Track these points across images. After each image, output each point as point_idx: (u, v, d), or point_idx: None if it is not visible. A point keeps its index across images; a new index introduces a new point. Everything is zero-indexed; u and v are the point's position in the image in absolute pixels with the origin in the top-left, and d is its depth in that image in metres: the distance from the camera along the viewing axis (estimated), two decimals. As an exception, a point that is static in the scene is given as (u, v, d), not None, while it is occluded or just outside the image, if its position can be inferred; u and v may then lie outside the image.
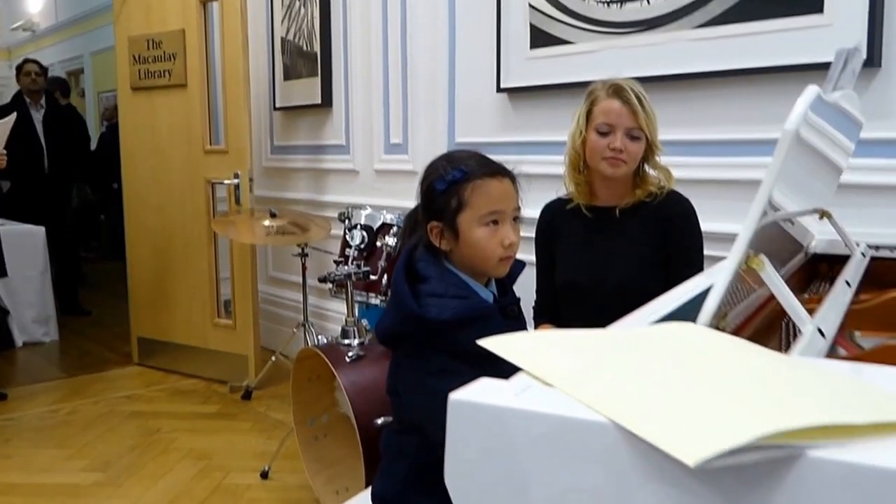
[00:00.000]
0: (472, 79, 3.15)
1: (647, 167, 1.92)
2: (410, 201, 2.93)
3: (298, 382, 2.58)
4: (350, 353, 2.36)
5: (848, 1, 2.05)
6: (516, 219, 1.39)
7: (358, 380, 2.32)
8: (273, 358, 3.61)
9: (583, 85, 2.66)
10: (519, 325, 1.41)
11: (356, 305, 2.56)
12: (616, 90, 1.84)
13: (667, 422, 0.53)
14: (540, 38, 2.86)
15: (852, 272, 1.41)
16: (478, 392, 0.60)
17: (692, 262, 1.87)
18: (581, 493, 0.54)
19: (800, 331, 0.92)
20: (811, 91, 0.90)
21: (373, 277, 2.52)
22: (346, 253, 2.56)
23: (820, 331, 0.93)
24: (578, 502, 0.54)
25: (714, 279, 0.90)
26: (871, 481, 0.45)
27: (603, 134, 1.83)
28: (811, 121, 1.04)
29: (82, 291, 5.75)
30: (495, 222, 1.34)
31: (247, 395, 3.66)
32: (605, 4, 2.64)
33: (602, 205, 1.94)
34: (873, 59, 2.02)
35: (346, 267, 2.47)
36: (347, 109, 3.76)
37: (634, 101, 1.82)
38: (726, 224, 2.27)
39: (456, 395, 0.59)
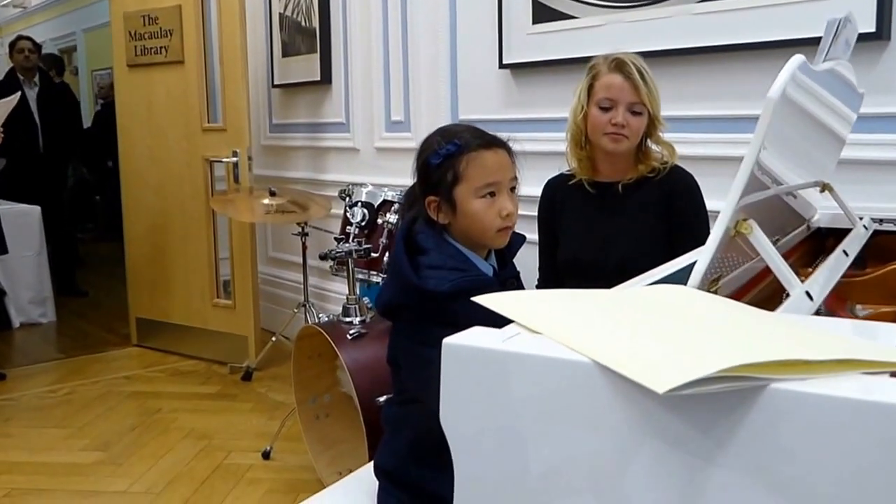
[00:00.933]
0: (473, 55, 3.10)
1: (649, 142, 1.90)
2: (412, 179, 2.93)
3: (300, 361, 2.57)
4: (352, 331, 2.34)
5: (858, -28, 2.01)
6: (514, 189, 1.39)
7: (360, 357, 2.31)
8: (273, 339, 3.59)
9: (586, 60, 2.64)
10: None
11: (357, 283, 2.54)
12: (618, 64, 1.83)
13: (640, 358, 0.57)
14: (543, 13, 2.82)
15: (850, 242, 1.41)
16: (470, 337, 0.63)
17: (697, 237, 1.85)
18: (565, 425, 0.58)
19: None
20: (796, 59, 0.91)
21: (374, 255, 2.50)
22: (347, 230, 2.54)
23: (808, 294, 0.96)
24: (563, 434, 0.58)
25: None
26: (825, 409, 0.51)
27: (605, 109, 1.82)
28: (806, 87, 1.03)
29: (79, 272, 5.71)
30: (492, 194, 1.34)
31: (247, 376, 3.64)
32: (610, -22, 2.60)
33: (605, 180, 1.93)
34: (882, 33, 1.99)
35: (347, 244, 2.45)
36: (347, 87, 3.72)
37: (636, 75, 1.80)
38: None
39: (449, 340, 0.63)
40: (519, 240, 1.48)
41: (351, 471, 2.55)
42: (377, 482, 1.48)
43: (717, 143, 2.36)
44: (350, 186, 2.64)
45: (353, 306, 2.46)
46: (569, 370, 0.58)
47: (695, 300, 0.81)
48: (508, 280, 1.44)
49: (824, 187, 1.58)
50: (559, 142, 2.08)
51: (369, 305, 2.52)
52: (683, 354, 0.59)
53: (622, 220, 1.89)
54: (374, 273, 2.59)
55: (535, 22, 2.85)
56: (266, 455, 2.78)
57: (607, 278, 1.79)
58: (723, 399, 0.52)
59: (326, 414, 2.67)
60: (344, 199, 2.64)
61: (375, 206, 2.57)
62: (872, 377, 0.55)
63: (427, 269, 1.32)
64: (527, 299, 0.77)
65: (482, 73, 3.07)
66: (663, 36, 2.45)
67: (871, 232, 1.60)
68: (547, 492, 0.59)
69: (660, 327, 0.69)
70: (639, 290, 0.86)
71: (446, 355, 0.62)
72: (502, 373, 0.60)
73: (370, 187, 2.64)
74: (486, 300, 0.72)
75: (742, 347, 0.60)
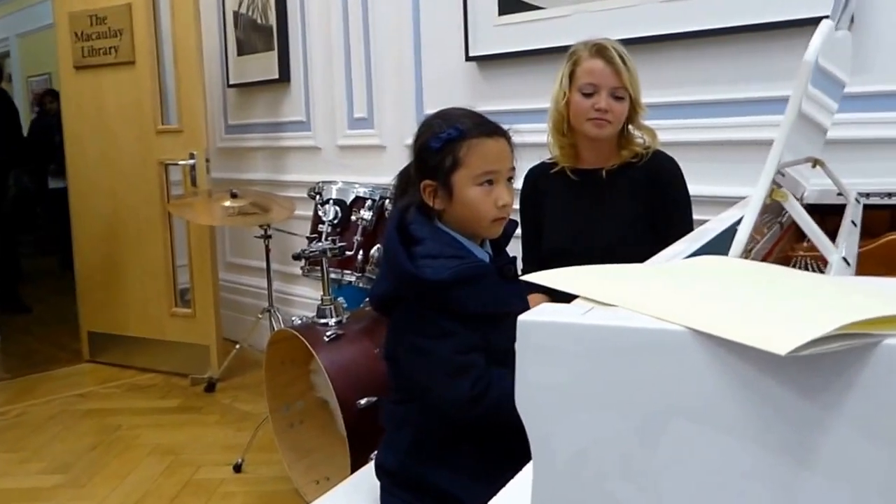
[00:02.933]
0: (439, 48, 3.05)
1: (631, 128, 1.90)
2: (379, 177, 2.86)
3: (271, 367, 2.46)
4: (328, 333, 2.26)
5: (832, -46, 2.01)
6: (510, 179, 1.37)
7: (338, 359, 2.23)
8: (237, 347, 3.46)
9: (556, 50, 2.63)
10: (516, 285, 1.36)
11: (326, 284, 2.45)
12: (599, 50, 1.82)
13: (745, 323, 0.53)
14: (509, 5, 2.79)
15: (854, 214, 1.42)
16: (547, 313, 0.58)
17: (681, 221, 1.86)
18: (658, 403, 0.54)
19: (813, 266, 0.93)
20: (826, 25, 0.89)
21: (349, 253, 2.41)
22: (320, 229, 2.45)
23: (845, 260, 0.96)
24: (655, 413, 0.54)
25: (740, 214, 0.91)
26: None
27: (587, 95, 1.81)
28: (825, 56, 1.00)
29: (20, 287, 5.46)
30: (490, 182, 1.32)
31: (210, 388, 3.51)
32: (579, -34, 2.57)
33: (587, 167, 1.91)
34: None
35: (321, 243, 2.36)
36: (307, 84, 3.63)
37: (618, 60, 1.79)
38: (712, 187, 2.24)
39: (525, 318, 0.58)
40: (512, 226, 1.45)
41: (328, 478, 2.49)
42: (378, 483, 1.41)
43: (693, 129, 2.36)
44: (320, 184, 2.56)
45: (328, 307, 2.37)
46: (662, 340, 0.54)
47: (752, 266, 0.77)
48: (505, 266, 1.40)
49: (816, 163, 1.58)
50: (529, 133, 2.05)
51: (345, 306, 2.43)
52: (789, 315, 0.55)
53: (607, 206, 1.88)
54: (348, 272, 2.51)
55: (501, 13, 2.81)
56: (238, 468, 2.66)
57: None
58: (829, 361, 0.49)
59: (300, 421, 2.57)
60: (314, 198, 2.55)
61: (348, 203, 2.48)
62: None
63: (423, 259, 1.28)
64: (584, 274, 0.73)
65: (448, 66, 3.02)
66: (631, 24, 2.43)
67: (861, 206, 1.61)
68: (638, 467, 0.55)
69: (741, 292, 0.65)
70: (687, 262, 0.83)
71: (523, 334, 0.57)
72: (590, 348, 0.56)
73: (340, 184, 2.56)
74: (538, 278, 0.67)
75: (846, 304, 0.57)
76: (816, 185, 1.69)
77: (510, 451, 1.29)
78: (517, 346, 0.57)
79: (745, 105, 2.26)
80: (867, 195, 1.72)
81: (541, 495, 0.58)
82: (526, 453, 1.46)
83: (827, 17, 1.11)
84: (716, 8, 2.26)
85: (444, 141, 1.30)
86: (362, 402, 2.14)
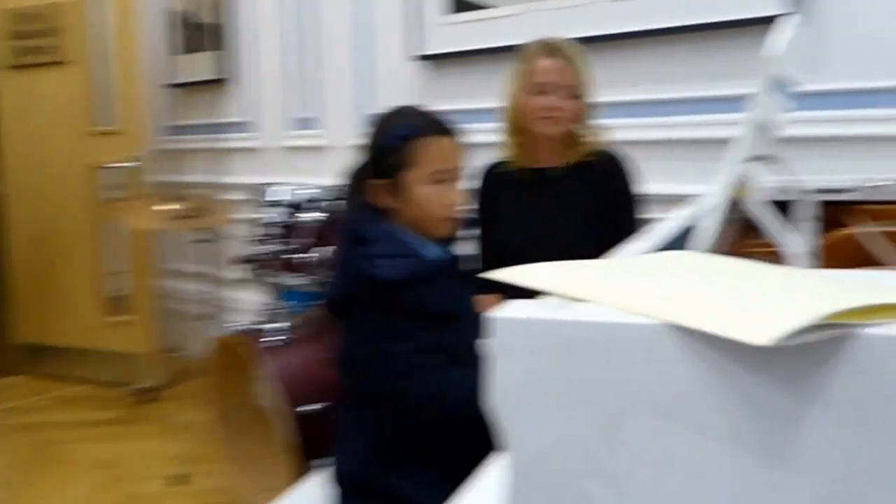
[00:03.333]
0: (386, 48, 3.02)
1: (583, 127, 1.90)
2: (325, 178, 2.80)
3: (213, 375, 2.38)
4: (276, 338, 2.20)
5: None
6: (460, 178, 1.36)
7: (286, 365, 2.19)
8: (177, 354, 3.34)
9: (506, 50, 2.62)
10: (469, 282, 1.33)
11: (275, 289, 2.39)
12: (552, 49, 1.83)
13: (723, 315, 0.53)
14: (458, 3, 2.77)
15: (809, 210, 1.44)
16: (520, 310, 0.58)
17: (629, 218, 1.88)
18: (632, 398, 0.53)
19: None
20: (787, 22, 0.94)
21: (299, 256, 2.35)
22: (268, 232, 2.37)
23: (804, 255, 1.00)
24: (629, 408, 0.53)
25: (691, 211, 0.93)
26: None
27: (541, 93, 1.81)
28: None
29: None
30: (442, 181, 1.31)
31: (149, 398, 3.38)
32: (529, -34, 2.57)
33: (541, 166, 1.91)
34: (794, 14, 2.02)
35: (269, 246, 2.29)
36: (250, 84, 3.54)
37: (570, 59, 1.81)
38: (666, 185, 2.24)
39: (499, 315, 0.56)
40: (460, 225, 1.44)
41: (272, 489, 2.41)
42: (333, 491, 1.35)
43: (640, 128, 2.37)
44: (268, 186, 2.49)
45: (275, 312, 2.30)
46: (638, 334, 0.53)
47: (717, 262, 0.76)
48: (455, 265, 1.38)
49: (768, 160, 1.60)
50: (480, 133, 2.04)
51: (293, 310, 2.37)
52: (767, 307, 0.55)
53: (561, 204, 1.87)
54: (298, 276, 2.44)
55: (450, 12, 2.79)
56: (181, 479, 2.56)
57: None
58: (808, 352, 0.49)
59: (244, 430, 2.50)
60: (262, 200, 2.48)
61: (298, 204, 2.42)
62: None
63: (379, 259, 1.26)
64: (549, 270, 0.71)
65: (396, 65, 2.99)
66: (582, 23, 2.44)
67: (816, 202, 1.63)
68: (610, 463, 0.54)
69: (712, 286, 0.64)
70: (649, 257, 0.82)
71: (497, 331, 0.56)
72: (563, 344, 0.55)
73: (290, 185, 2.49)
74: (504, 275, 0.66)
75: (823, 295, 0.57)
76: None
77: (474, 452, 1.26)
78: (491, 342, 0.56)
79: (698, 104, 2.29)
80: (822, 191, 1.75)
81: (515, 492, 0.57)
82: (490, 454, 1.41)
83: (784, 14, 1.12)
84: (666, 7, 2.29)
85: (397, 140, 1.29)
86: (311, 408, 2.09)
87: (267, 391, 2.45)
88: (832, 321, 0.49)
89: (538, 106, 1.80)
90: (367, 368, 1.30)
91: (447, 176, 1.31)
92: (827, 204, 1.67)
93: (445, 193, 1.31)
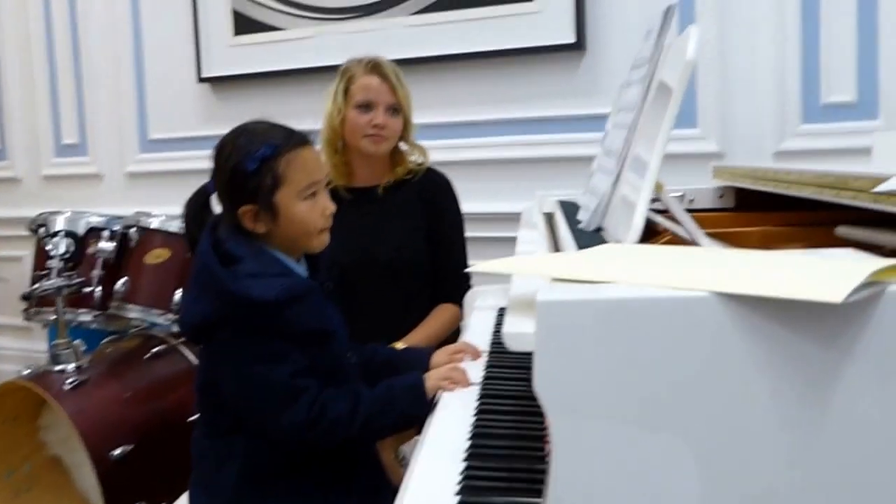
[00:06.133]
0: (166, 69, 2.89)
1: (403, 145, 1.92)
2: (98, 207, 2.59)
3: (-5, 428, 2.11)
4: (69, 380, 2.00)
5: (555, -11, 2.28)
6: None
7: (86, 408, 2.00)
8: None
9: (297, 72, 2.63)
10: (336, 302, 1.33)
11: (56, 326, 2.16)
12: (374, 66, 1.83)
13: (781, 280, 0.57)
14: (245, 25, 2.73)
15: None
16: (567, 292, 0.60)
17: (456, 236, 1.93)
18: (682, 363, 0.57)
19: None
20: (696, 29, 0.97)
21: (88, 289, 2.16)
22: (49, 265, 2.15)
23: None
24: (680, 373, 0.57)
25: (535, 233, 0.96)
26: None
27: (363, 111, 1.80)
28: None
29: None
30: (313, 194, 1.27)
31: None
32: (318, -10, 2.60)
33: (362, 185, 1.91)
34: (581, 44, 2.27)
35: (53, 280, 2.07)
36: (2, 107, 3.18)
37: (393, 76, 1.82)
38: (480, 204, 2.34)
39: (546, 297, 0.58)
40: None
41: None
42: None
43: (451, 149, 2.45)
44: (44, 215, 2.26)
45: (64, 352, 2.09)
46: (687, 307, 0.57)
47: (661, 249, 0.83)
48: (325, 284, 1.34)
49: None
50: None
51: (84, 348, 2.17)
52: (807, 273, 0.61)
53: (384, 221, 1.88)
54: (84, 311, 2.24)
55: (237, 33, 2.74)
56: (-52, 556, 2.21)
57: (376, 280, 1.82)
58: (842, 310, 0.55)
59: (28, 488, 2.23)
60: (36, 232, 2.24)
61: (81, 234, 2.22)
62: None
63: (246, 279, 1.18)
64: (555, 260, 0.75)
65: (177, 87, 2.87)
66: (376, 47, 2.46)
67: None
68: (661, 433, 0.58)
69: (727, 261, 0.69)
70: (605, 248, 0.86)
71: (542, 315, 0.57)
72: (616, 323, 0.57)
73: (69, 213, 2.28)
74: (498, 266, 0.66)
75: (824, 265, 0.63)
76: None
77: (349, 473, 1.25)
78: (536, 327, 0.57)
79: (481, 126, 2.44)
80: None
81: (565, 479, 0.58)
82: (366, 471, 1.40)
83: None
84: (458, 34, 2.42)
85: (261, 160, 1.21)
86: (117, 451, 1.93)
87: (57, 440, 2.21)
88: (870, 280, 0.55)
89: (362, 123, 1.80)
90: (238, 394, 1.22)
91: (317, 187, 1.27)
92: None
93: (320, 205, 1.26)
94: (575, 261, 0.74)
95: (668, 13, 1.14)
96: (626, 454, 0.57)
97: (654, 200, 1.04)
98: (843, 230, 1.12)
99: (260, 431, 1.21)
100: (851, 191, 0.98)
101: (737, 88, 2.16)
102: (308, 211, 1.25)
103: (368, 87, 1.80)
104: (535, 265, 0.70)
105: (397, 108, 1.82)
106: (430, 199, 1.90)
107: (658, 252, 0.79)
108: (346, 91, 1.83)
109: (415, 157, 1.92)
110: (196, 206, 1.32)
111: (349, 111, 1.81)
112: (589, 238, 1.15)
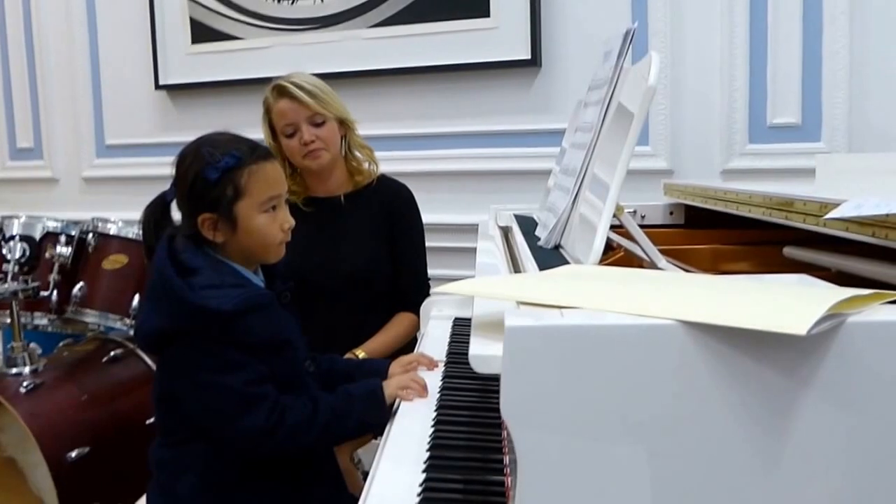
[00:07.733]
0: (122, 75, 2.90)
1: (354, 151, 1.93)
2: (53, 211, 2.60)
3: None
4: (25, 383, 2.02)
5: (511, 6, 2.35)
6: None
7: (41, 411, 2.01)
8: None
9: (255, 82, 2.65)
10: (293, 312, 1.37)
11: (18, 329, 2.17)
12: (280, 91, 1.83)
13: (745, 311, 0.59)
14: (202, 33, 2.75)
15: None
16: (534, 318, 0.61)
17: (418, 246, 1.96)
18: (647, 390, 0.58)
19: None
20: (657, 55, 1.00)
21: (44, 293, 2.17)
22: (4, 269, 2.16)
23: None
24: (649, 408, 0.58)
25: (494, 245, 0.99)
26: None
27: (290, 135, 1.82)
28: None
29: None
30: (274, 207, 1.29)
31: None
32: (276, 1, 2.64)
33: (320, 196, 1.92)
34: (536, 60, 2.35)
35: (9, 283, 2.09)
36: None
37: (298, 92, 1.80)
38: (435, 215, 2.35)
39: (514, 323, 0.59)
40: None
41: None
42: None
43: (408, 161, 2.50)
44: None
45: (20, 355, 2.11)
46: (653, 334, 0.59)
47: (623, 272, 0.85)
48: (282, 293, 1.36)
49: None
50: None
51: (39, 352, 2.18)
52: (775, 303, 0.63)
53: (347, 230, 1.89)
54: (39, 314, 2.25)
55: (194, 42, 2.76)
56: None
57: (340, 289, 1.85)
58: (804, 341, 0.56)
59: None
60: (-8, 235, 2.25)
61: (37, 238, 2.23)
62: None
63: (203, 290, 1.20)
64: (512, 282, 0.76)
65: (134, 93, 2.88)
66: (334, 59, 2.56)
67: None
68: (626, 458, 0.59)
69: (691, 289, 0.72)
70: (564, 269, 0.89)
71: (510, 340, 0.59)
72: (583, 349, 0.59)
73: (24, 217, 2.28)
74: (459, 287, 0.68)
75: (793, 295, 0.67)
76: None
77: (308, 482, 1.29)
78: (504, 352, 0.58)
79: (437, 139, 2.51)
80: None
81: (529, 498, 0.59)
82: (326, 480, 1.41)
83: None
84: (416, 48, 2.48)
85: (223, 170, 1.23)
86: (73, 454, 1.96)
87: (12, 442, 2.21)
88: (835, 311, 0.57)
89: (295, 147, 1.81)
90: (196, 403, 1.23)
91: (277, 201, 1.28)
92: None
93: (279, 218, 1.28)
94: (539, 283, 0.75)
95: (627, 36, 1.15)
96: (593, 478, 0.59)
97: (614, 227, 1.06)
98: (790, 251, 1.15)
99: (220, 440, 1.22)
100: (800, 214, 1.01)
101: (687, 109, 2.25)
102: (267, 224, 1.27)
103: (284, 113, 1.81)
104: (501, 287, 0.71)
105: (318, 119, 1.82)
106: (392, 208, 1.92)
107: (623, 275, 0.81)
108: (271, 123, 1.85)
109: (368, 164, 1.93)
110: (154, 214, 1.33)
111: (281, 140, 1.84)
112: (548, 255, 1.17)
